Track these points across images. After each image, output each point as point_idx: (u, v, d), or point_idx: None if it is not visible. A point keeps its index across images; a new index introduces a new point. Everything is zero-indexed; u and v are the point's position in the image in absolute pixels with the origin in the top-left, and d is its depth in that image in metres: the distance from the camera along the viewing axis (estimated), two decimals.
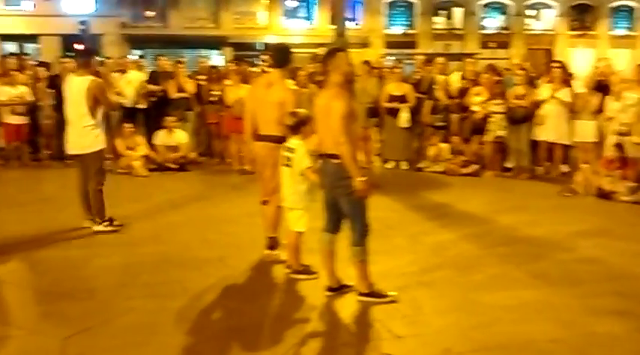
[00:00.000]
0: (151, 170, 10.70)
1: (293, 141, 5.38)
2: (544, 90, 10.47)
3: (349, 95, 5.04)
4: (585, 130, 10.10)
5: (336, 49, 5.41)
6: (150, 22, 29.74)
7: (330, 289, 5.21)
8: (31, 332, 4.54)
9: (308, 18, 31.02)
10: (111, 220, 7.18)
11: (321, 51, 8.08)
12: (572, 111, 10.26)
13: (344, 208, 5.00)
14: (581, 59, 29.24)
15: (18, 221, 7.27)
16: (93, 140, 7.06)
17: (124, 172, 10.55)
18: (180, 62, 12.04)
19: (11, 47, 26.25)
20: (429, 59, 12.67)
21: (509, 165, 10.89)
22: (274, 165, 5.78)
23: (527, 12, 33.14)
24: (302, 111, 5.51)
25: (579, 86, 10.73)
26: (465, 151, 10.87)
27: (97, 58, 7.20)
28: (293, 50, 6.18)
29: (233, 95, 10.97)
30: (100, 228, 7.04)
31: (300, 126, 5.35)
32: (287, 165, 5.42)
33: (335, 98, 4.85)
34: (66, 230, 7.08)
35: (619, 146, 9.28)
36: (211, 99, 11.49)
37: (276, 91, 5.87)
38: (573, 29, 33.18)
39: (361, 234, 4.99)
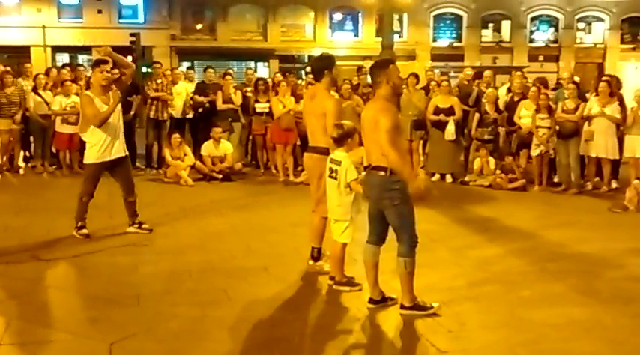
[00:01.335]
0: (196, 180, 10.83)
1: (338, 153, 5.38)
2: (592, 105, 10.29)
3: (395, 108, 5.04)
4: (635, 145, 9.89)
5: (387, 60, 5.37)
6: (199, 34, 30.23)
7: (372, 301, 5.18)
8: (78, 337, 4.61)
9: (354, 31, 31.10)
10: (140, 224, 7.41)
11: (367, 63, 8.13)
12: (622, 126, 10.06)
13: (391, 220, 4.97)
14: (633, 73, 28.68)
15: (69, 227, 7.41)
16: (86, 153, 7.27)
17: (171, 181, 10.72)
18: (227, 74, 12.18)
19: (65, 58, 27.02)
20: (478, 72, 12.56)
21: (557, 180, 10.71)
22: (319, 176, 5.80)
23: (578, 25, 32.67)
24: (347, 123, 5.51)
25: (630, 100, 10.51)
26: (514, 169, 10.73)
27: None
28: (333, 59, 6.10)
29: (279, 107, 11.06)
30: (73, 232, 7.19)
31: (345, 138, 5.35)
32: (333, 177, 5.42)
33: (382, 111, 4.85)
34: (115, 236, 7.23)
35: None
36: (258, 110, 11.59)
37: (319, 102, 5.91)
38: (624, 42, 32.59)
39: (409, 246, 4.95)
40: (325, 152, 5.72)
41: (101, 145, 7.10)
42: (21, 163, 11.94)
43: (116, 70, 7.43)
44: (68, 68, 12.81)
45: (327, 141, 5.69)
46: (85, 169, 7.38)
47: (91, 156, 7.19)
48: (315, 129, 5.91)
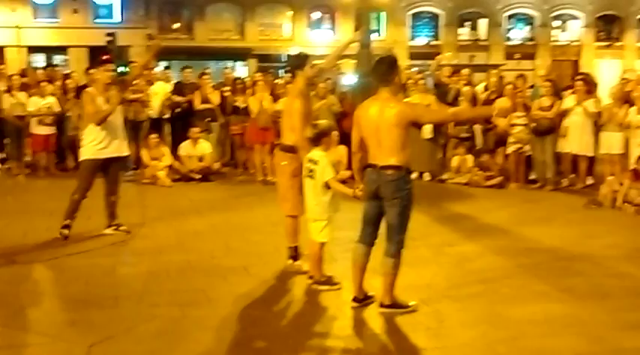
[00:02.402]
0: (175, 180, 10.79)
1: (315, 153, 5.39)
2: (569, 101, 10.40)
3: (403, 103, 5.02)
4: (611, 142, 10.01)
5: (393, 57, 5.32)
6: (176, 33, 30.04)
7: (356, 300, 5.19)
8: (56, 340, 4.57)
9: (332, 30, 31.11)
10: (118, 225, 7.38)
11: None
12: (598, 122, 10.18)
13: (391, 218, 4.95)
14: (608, 70, 28.99)
15: (47, 229, 7.36)
16: (81, 150, 7.23)
17: (148, 182, 10.66)
18: (205, 73, 12.14)
19: (41, 58, 26.75)
20: (456, 70, 12.63)
21: (533, 177, 10.81)
22: (282, 173, 5.89)
23: (553, 23, 32.96)
24: (322, 122, 5.53)
25: (605, 97, 10.64)
26: (490, 166, 10.81)
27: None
28: (307, 58, 6.10)
29: (257, 106, 11.04)
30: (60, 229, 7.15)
31: (320, 137, 5.36)
32: (310, 177, 5.42)
33: (392, 107, 4.85)
34: (94, 238, 7.17)
35: None
36: (236, 105, 11.54)
37: (290, 100, 5.94)
38: (600, 40, 32.95)
39: (399, 247, 4.97)
40: (289, 150, 5.77)
41: (99, 142, 7.06)
42: None
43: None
44: (42, 68, 12.67)
45: (292, 139, 5.73)
46: (80, 166, 7.30)
47: (87, 153, 7.14)
48: (284, 126, 5.97)
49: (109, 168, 7.26)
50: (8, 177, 11.38)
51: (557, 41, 33.02)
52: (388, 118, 4.83)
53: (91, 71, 7.38)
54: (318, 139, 5.38)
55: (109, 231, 7.34)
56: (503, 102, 10.05)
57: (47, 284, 5.94)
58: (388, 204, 4.94)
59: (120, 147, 7.28)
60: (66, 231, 7.12)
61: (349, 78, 13.44)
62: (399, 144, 4.85)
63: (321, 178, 5.35)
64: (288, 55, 6.39)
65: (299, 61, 6.02)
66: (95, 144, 7.06)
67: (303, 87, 5.93)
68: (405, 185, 4.90)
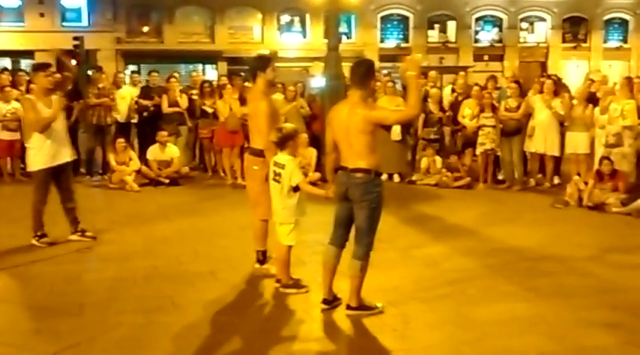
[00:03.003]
0: (143, 185, 10.69)
1: (282, 157, 5.38)
2: (536, 101, 10.52)
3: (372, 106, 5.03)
4: (577, 142, 10.16)
5: (369, 61, 5.31)
6: (145, 37, 29.78)
7: (326, 302, 5.19)
8: (19, 349, 4.49)
9: (302, 32, 31.10)
10: (83, 231, 7.28)
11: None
12: (564, 123, 10.31)
13: (360, 221, 4.96)
14: (575, 71, 29.40)
15: (10, 236, 7.27)
16: (29, 160, 7.13)
17: (116, 187, 10.56)
18: (172, 77, 12.06)
19: (6, 63, 26.31)
20: (423, 72, 12.69)
21: (501, 177, 10.92)
22: (253, 177, 5.91)
23: (521, 25, 33.31)
24: (287, 125, 5.54)
25: (571, 98, 10.78)
26: (459, 168, 10.90)
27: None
28: (269, 60, 6.09)
29: (225, 109, 11.00)
30: (33, 241, 7.05)
31: (285, 141, 5.35)
32: (276, 181, 5.41)
33: (358, 113, 4.85)
34: (59, 244, 7.08)
35: (607, 158, 9.32)
36: (205, 109, 11.49)
37: (254, 104, 5.94)
38: (566, 41, 33.36)
39: (367, 250, 4.98)
40: (259, 154, 5.76)
41: (47, 151, 6.95)
42: None
43: (58, 74, 7.28)
44: (7, 72, 12.46)
45: (260, 143, 5.73)
46: (33, 177, 7.16)
47: (37, 163, 7.01)
48: (252, 130, 5.96)
49: (60, 175, 7.14)
50: None
51: (524, 43, 33.36)
52: (355, 124, 4.85)
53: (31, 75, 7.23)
54: (283, 143, 5.36)
55: (74, 237, 7.24)
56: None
57: (11, 292, 5.83)
58: (357, 207, 4.95)
59: (67, 153, 7.18)
60: (45, 239, 7.05)
61: (318, 80, 13.44)
62: (367, 148, 4.87)
63: (288, 182, 5.34)
64: (251, 58, 6.35)
65: (261, 63, 5.99)
66: (44, 153, 6.95)
67: (264, 89, 5.91)
68: (373, 188, 4.91)
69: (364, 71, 5.00)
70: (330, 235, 5.18)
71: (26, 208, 7.14)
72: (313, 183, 6.02)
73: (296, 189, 5.37)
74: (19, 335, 4.78)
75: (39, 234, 7.08)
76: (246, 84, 12.52)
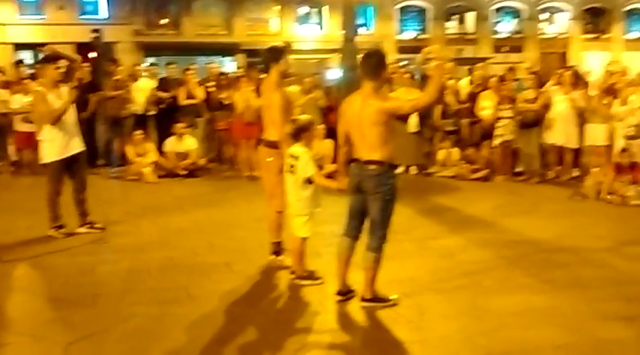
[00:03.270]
0: (160, 177, 10.73)
1: (296, 148, 5.36)
2: (554, 93, 10.41)
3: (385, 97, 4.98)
4: (596, 134, 10.03)
5: (380, 51, 5.23)
6: (163, 29, 29.89)
7: (340, 293, 5.18)
8: (34, 339, 4.54)
9: (320, 24, 31.04)
10: (92, 223, 7.31)
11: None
12: (583, 114, 10.19)
13: (374, 213, 4.93)
14: (595, 62, 29.07)
15: (28, 227, 7.33)
16: (42, 152, 7.16)
17: (134, 179, 10.61)
18: (189, 69, 12.08)
19: (27, 55, 26.52)
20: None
21: (519, 169, 10.82)
22: (268, 169, 5.88)
23: (541, 16, 33.01)
24: (302, 117, 5.51)
25: (591, 89, 10.65)
26: (476, 160, 10.82)
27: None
28: (282, 51, 6.06)
29: (242, 101, 10.99)
30: (51, 232, 7.09)
31: (300, 132, 5.33)
32: (290, 172, 5.40)
33: (371, 105, 4.81)
34: (75, 236, 7.13)
35: (627, 150, 9.20)
36: (223, 102, 11.50)
37: (267, 95, 5.91)
38: (587, 32, 33.03)
39: (380, 242, 4.96)
40: (272, 145, 5.75)
41: (59, 142, 6.99)
42: None
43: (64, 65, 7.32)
44: (23, 65, 12.57)
45: (274, 134, 5.71)
46: (47, 169, 7.19)
47: (50, 154, 7.05)
48: (265, 122, 5.93)
49: (72, 166, 7.18)
50: None
51: (544, 34, 33.08)
52: (368, 115, 4.81)
53: (38, 67, 7.28)
54: (298, 134, 5.35)
55: (82, 229, 7.27)
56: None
57: (27, 283, 5.90)
58: (371, 199, 4.93)
59: (78, 144, 7.21)
60: (63, 230, 7.12)
61: (335, 72, 13.40)
62: (381, 140, 4.83)
63: (302, 174, 5.32)
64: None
65: (274, 55, 5.96)
66: (57, 144, 6.99)
67: (278, 80, 5.89)
68: (387, 180, 4.88)
69: (376, 62, 4.96)
70: (344, 227, 5.16)
71: (44, 200, 7.19)
72: (330, 175, 6.02)
73: (310, 181, 5.35)
74: (35, 325, 4.83)
75: (57, 224, 7.14)
76: (263, 76, 12.55)
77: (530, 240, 6.96)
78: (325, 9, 30.59)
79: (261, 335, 4.59)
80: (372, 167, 4.84)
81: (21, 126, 11.22)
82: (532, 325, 4.69)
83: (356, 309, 5.00)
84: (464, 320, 4.81)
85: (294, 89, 11.30)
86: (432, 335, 4.56)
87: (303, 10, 31.24)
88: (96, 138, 11.60)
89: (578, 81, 10.72)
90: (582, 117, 10.23)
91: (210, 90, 11.86)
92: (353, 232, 5.13)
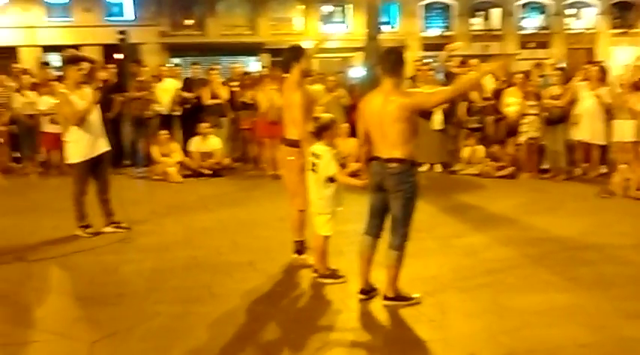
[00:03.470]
0: (185, 176, 10.81)
1: (318, 147, 5.37)
2: (581, 89, 10.29)
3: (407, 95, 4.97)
4: (623, 130, 9.88)
5: (397, 49, 5.23)
6: (188, 30, 30.09)
7: (363, 292, 5.18)
8: (59, 337, 4.60)
9: (344, 23, 31.01)
10: (118, 223, 7.41)
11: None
12: (610, 110, 10.06)
13: (395, 211, 4.92)
14: (623, 57, 28.64)
15: (55, 227, 7.43)
16: (68, 153, 7.24)
17: (159, 179, 10.71)
18: (213, 69, 12.15)
19: (55, 57, 26.87)
20: (464, 61, 12.54)
21: (545, 166, 10.72)
22: (289, 168, 5.90)
23: (567, 11, 32.61)
24: (324, 116, 5.51)
25: (618, 85, 10.51)
26: (501, 157, 10.73)
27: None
28: (302, 50, 6.05)
29: (265, 101, 11.03)
30: (78, 232, 7.19)
31: (322, 131, 5.33)
32: (312, 171, 5.41)
33: (393, 101, 4.79)
34: (100, 235, 7.22)
35: None
36: (246, 101, 11.55)
37: (288, 95, 5.93)
38: (615, 27, 32.53)
39: (402, 241, 4.95)
40: (293, 144, 5.76)
41: (85, 143, 7.08)
42: (11, 165, 11.90)
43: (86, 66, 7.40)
44: (47, 67, 12.77)
45: (295, 133, 5.72)
46: (73, 169, 7.29)
47: (76, 155, 7.14)
48: (286, 121, 5.95)
49: (97, 166, 7.27)
50: (21, 176, 11.45)
51: (571, 29, 32.66)
52: (390, 112, 4.79)
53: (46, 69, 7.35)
54: (320, 133, 5.35)
55: (108, 229, 7.36)
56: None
57: (53, 282, 5.97)
58: (392, 197, 4.92)
59: (103, 144, 7.31)
60: (90, 229, 7.22)
61: (358, 70, 13.39)
62: (402, 137, 4.81)
63: (324, 172, 5.33)
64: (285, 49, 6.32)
65: (294, 54, 5.98)
66: (82, 145, 7.08)
67: (299, 79, 5.90)
68: (408, 177, 4.86)
69: (396, 59, 4.95)
70: (365, 225, 5.16)
71: (70, 200, 7.28)
72: (354, 174, 6.02)
73: (332, 179, 5.35)
74: (60, 323, 4.90)
75: (83, 224, 7.23)
76: (285, 75, 12.57)
77: (554, 237, 6.89)
78: (349, 7, 30.54)
79: (282, 334, 4.61)
80: (393, 165, 4.83)
81: (48, 128, 11.38)
82: (555, 323, 4.65)
83: (378, 308, 5.00)
84: (486, 318, 4.79)
85: (317, 88, 11.32)
86: (454, 334, 4.54)
87: (327, 8, 31.23)
88: (121, 139, 11.74)
89: (605, 76, 10.59)
90: (610, 113, 10.10)
91: (233, 89, 11.92)
92: (374, 230, 5.13)
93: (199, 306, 5.09)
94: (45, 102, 11.36)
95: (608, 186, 9.13)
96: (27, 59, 24.92)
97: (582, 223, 7.48)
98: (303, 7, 30.73)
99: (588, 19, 32.80)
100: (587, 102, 10.15)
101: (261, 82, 11.70)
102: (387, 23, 29.34)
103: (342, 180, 5.37)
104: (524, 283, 5.52)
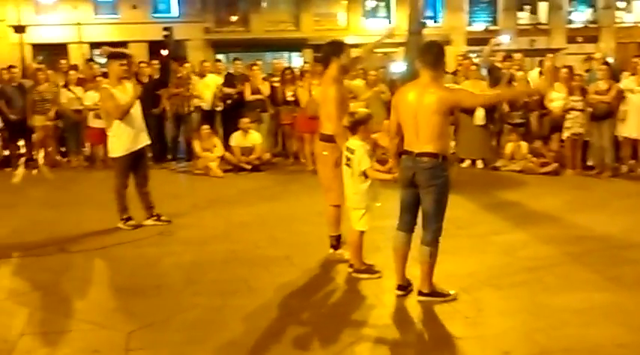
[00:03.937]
0: (226, 171, 10.90)
1: (353, 142, 5.36)
2: (628, 84, 10.05)
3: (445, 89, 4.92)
4: None
5: (438, 42, 5.16)
6: (233, 26, 30.36)
7: (400, 288, 5.15)
8: (97, 326, 4.70)
9: (388, 18, 30.87)
10: (158, 216, 7.52)
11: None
12: None
13: (427, 206, 4.88)
14: None
15: (99, 219, 7.56)
16: (111, 147, 7.37)
17: (200, 173, 10.82)
18: (255, 64, 12.23)
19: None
20: (508, 55, 12.37)
21: (591, 163, 10.50)
22: (324, 162, 5.90)
23: (618, 4, 31.88)
24: (360, 110, 5.50)
25: None
26: (545, 153, 10.55)
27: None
28: (342, 45, 6.03)
29: (306, 96, 11.05)
30: (120, 224, 7.32)
31: (357, 126, 5.32)
32: (347, 166, 5.40)
33: (432, 93, 4.75)
34: (141, 228, 7.34)
35: None
36: (288, 99, 11.61)
37: (324, 89, 5.93)
38: None
39: (435, 236, 4.91)
40: (327, 139, 5.76)
41: (127, 137, 7.21)
42: (57, 158, 12.18)
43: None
44: (93, 63, 13.02)
45: (330, 128, 5.71)
46: (115, 163, 7.44)
47: (119, 149, 7.28)
48: (321, 115, 5.95)
49: (138, 160, 7.40)
50: (67, 169, 11.71)
51: (621, 23, 31.93)
52: (428, 104, 4.74)
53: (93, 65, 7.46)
54: (355, 128, 5.34)
55: (149, 222, 7.48)
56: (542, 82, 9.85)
57: (94, 273, 6.09)
58: (424, 192, 4.87)
59: (144, 137, 7.43)
60: (131, 222, 7.36)
61: (399, 65, 13.31)
62: (437, 131, 4.76)
63: (358, 167, 5.32)
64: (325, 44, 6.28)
65: (334, 49, 5.97)
66: (125, 139, 7.20)
67: (336, 74, 5.89)
68: (441, 173, 4.82)
69: (437, 52, 4.91)
70: (398, 221, 5.13)
71: (113, 193, 7.42)
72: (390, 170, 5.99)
73: (366, 174, 5.34)
74: (98, 313, 4.99)
75: (125, 217, 7.37)
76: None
77: (597, 236, 6.76)
78: (393, 2, 30.39)
79: (315, 328, 4.63)
80: (426, 159, 4.78)
81: (94, 122, 11.58)
82: (593, 323, 4.57)
83: (413, 304, 4.98)
84: (522, 316, 4.72)
85: (358, 83, 11.31)
86: (488, 332, 4.50)
87: (371, 3, 31.14)
88: (165, 134, 11.93)
89: None
90: None
91: (274, 85, 11.98)
92: (407, 226, 5.09)
93: (236, 299, 5.14)
94: (90, 98, 11.58)
95: None
96: (75, 56, 25.43)
97: (627, 221, 7.31)
98: (347, 2, 30.70)
99: (639, 12, 32.03)
100: (636, 97, 9.91)
101: (302, 77, 11.73)
102: (431, 18, 29.08)
103: (372, 175, 5.33)
104: (562, 281, 5.43)
